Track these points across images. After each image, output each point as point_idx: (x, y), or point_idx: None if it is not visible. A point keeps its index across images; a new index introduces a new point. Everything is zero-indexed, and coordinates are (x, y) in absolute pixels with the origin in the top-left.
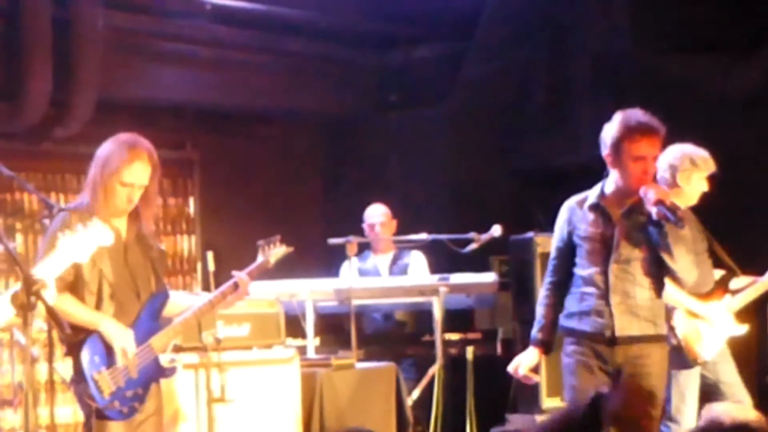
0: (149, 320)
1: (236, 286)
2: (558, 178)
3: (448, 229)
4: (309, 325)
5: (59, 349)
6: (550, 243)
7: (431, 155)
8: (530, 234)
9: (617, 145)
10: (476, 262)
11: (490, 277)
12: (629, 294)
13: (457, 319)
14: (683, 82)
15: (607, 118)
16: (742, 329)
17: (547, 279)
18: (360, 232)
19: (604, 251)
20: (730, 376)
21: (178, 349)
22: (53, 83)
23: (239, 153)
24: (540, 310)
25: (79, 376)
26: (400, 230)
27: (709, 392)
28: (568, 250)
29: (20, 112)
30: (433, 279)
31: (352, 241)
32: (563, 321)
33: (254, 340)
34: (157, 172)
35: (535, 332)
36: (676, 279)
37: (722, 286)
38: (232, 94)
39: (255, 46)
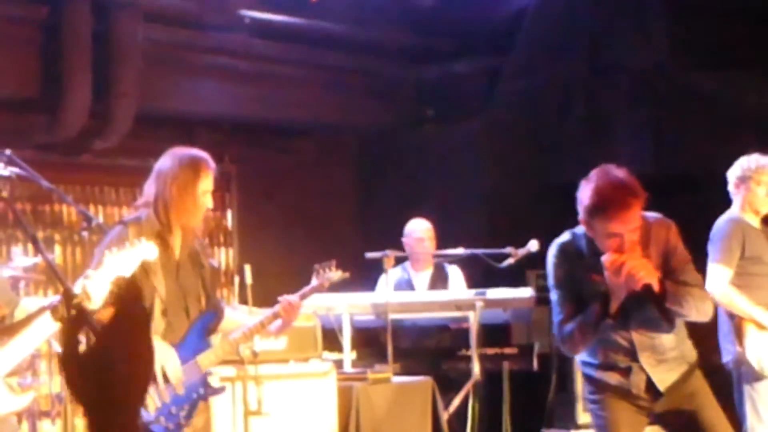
0: (197, 338)
1: (278, 315)
2: None
3: (484, 243)
4: (346, 339)
5: None
6: None
7: (468, 169)
8: None
9: (590, 221)
10: (513, 277)
11: (526, 292)
12: (655, 346)
13: (493, 333)
14: (719, 98)
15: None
16: None
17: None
18: (397, 245)
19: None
20: None
21: None
22: (92, 95)
23: (277, 166)
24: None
25: None
26: (438, 244)
27: None
28: None
29: (60, 124)
30: (470, 293)
31: (390, 255)
32: (586, 369)
33: (291, 354)
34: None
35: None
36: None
37: None
38: (270, 107)
39: (293, 60)
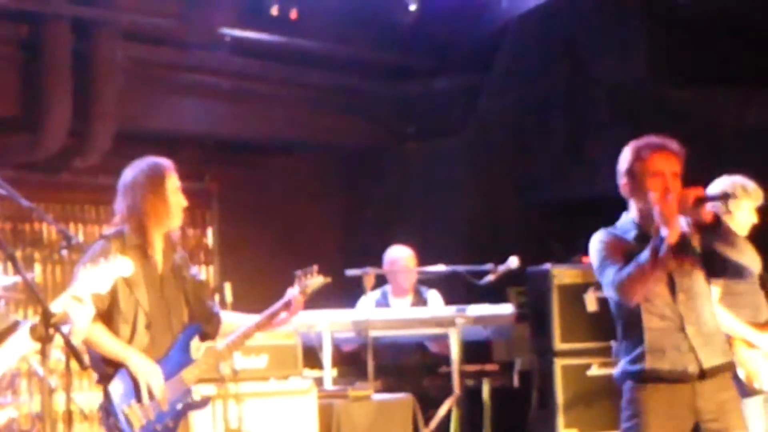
0: (181, 353)
1: (287, 306)
2: (575, 210)
3: (465, 260)
4: (326, 357)
5: (77, 380)
6: (567, 274)
7: (449, 186)
8: (547, 265)
9: (632, 168)
10: (494, 294)
11: (507, 308)
12: (701, 323)
13: (474, 350)
14: (700, 114)
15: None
16: None
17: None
18: (378, 263)
19: (667, 281)
20: None
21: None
22: (73, 114)
23: (258, 185)
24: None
25: (109, 409)
26: (419, 262)
27: None
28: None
29: (40, 143)
30: (451, 310)
31: (370, 273)
32: (626, 366)
33: (271, 372)
34: None
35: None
36: (740, 275)
37: None
38: (251, 125)
39: (274, 78)
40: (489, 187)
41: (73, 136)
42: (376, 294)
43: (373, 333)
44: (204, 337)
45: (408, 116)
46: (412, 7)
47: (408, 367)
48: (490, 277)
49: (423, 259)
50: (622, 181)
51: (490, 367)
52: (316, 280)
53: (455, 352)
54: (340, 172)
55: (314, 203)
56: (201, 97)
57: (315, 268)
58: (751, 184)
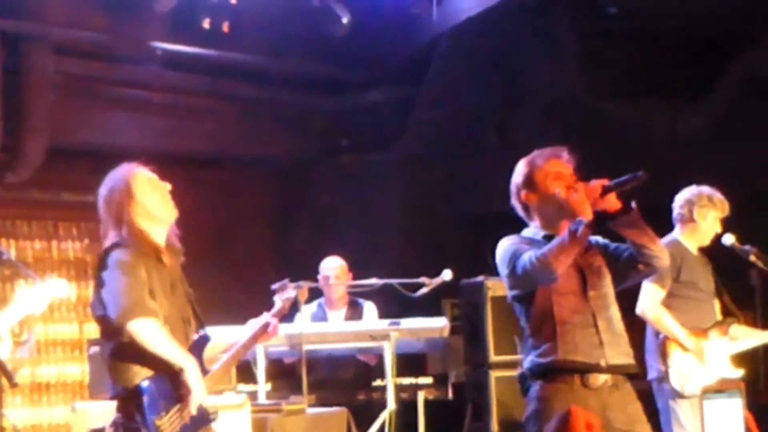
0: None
1: (266, 327)
2: (509, 223)
3: (399, 273)
4: (260, 371)
5: (9, 396)
6: (501, 287)
7: (382, 199)
8: (481, 278)
9: (531, 177)
10: (429, 306)
11: (440, 321)
12: (610, 321)
13: (408, 363)
14: (632, 126)
15: None
16: (738, 373)
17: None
18: (313, 277)
19: (575, 280)
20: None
21: None
22: (4, 129)
23: (190, 198)
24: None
25: (133, 424)
26: (353, 275)
27: None
28: None
29: None
30: (384, 323)
31: (303, 287)
32: (535, 359)
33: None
34: None
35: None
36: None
37: (723, 327)
38: (183, 139)
39: (206, 91)
40: (422, 199)
41: (5, 151)
42: (313, 307)
43: (307, 347)
44: None
45: (341, 129)
46: (345, 20)
47: (342, 380)
48: (424, 290)
49: (357, 272)
50: (522, 193)
51: (424, 379)
52: (292, 292)
53: (389, 365)
54: (273, 185)
55: (247, 217)
56: (133, 111)
57: (287, 280)
58: (717, 195)
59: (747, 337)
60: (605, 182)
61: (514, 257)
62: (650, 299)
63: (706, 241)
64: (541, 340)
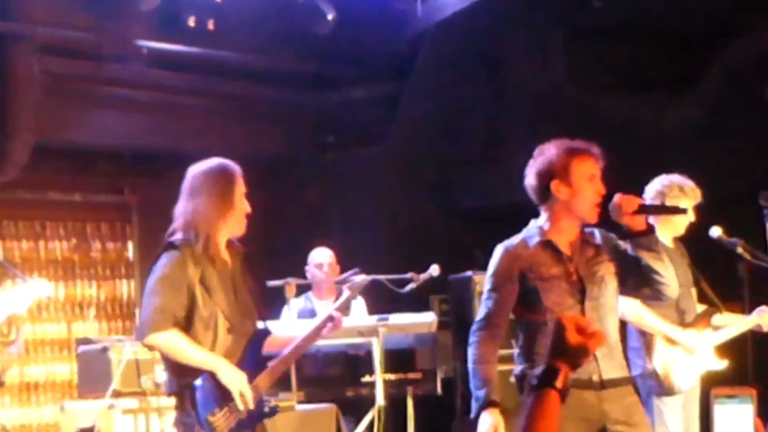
0: (254, 358)
1: (330, 319)
2: (496, 217)
3: (387, 269)
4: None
5: None
6: None
7: (369, 196)
8: (469, 273)
9: (566, 169)
10: (417, 302)
11: (429, 316)
12: (606, 334)
13: (397, 359)
14: (619, 120)
15: None
16: (722, 364)
17: (484, 332)
18: (299, 274)
19: (572, 290)
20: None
21: (117, 394)
22: None
23: (177, 197)
24: (483, 368)
25: (189, 419)
26: (340, 271)
27: None
28: (511, 298)
29: None
30: (373, 319)
31: (291, 283)
32: (526, 370)
33: None
34: None
35: (487, 394)
36: (659, 293)
37: (705, 318)
38: (169, 137)
39: (192, 90)
40: (409, 195)
41: None
42: (300, 301)
43: None
44: None
45: (327, 126)
46: (330, 17)
47: (331, 376)
48: (412, 285)
49: (344, 268)
50: (553, 182)
51: (413, 375)
52: (361, 279)
53: (378, 360)
54: (259, 182)
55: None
56: (119, 110)
57: (357, 269)
58: (688, 183)
59: (729, 325)
60: (642, 201)
61: (486, 294)
62: (626, 303)
63: (681, 230)
64: (533, 353)
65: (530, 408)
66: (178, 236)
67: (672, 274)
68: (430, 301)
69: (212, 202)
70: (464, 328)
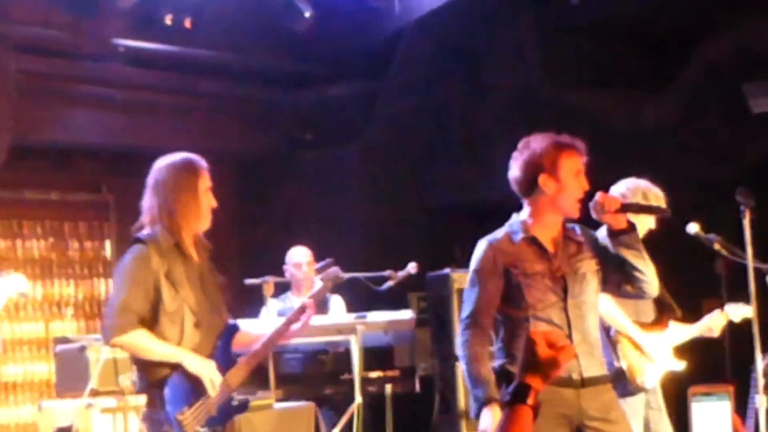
0: (224, 354)
1: (302, 311)
2: (474, 214)
3: (366, 266)
4: None
5: None
6: (467, 279)
7: (347, 193)
8: (447, 270)
9: (554, 163)
10: (395, 299)
11: (407, 314)
12: (586, 332)
13: (375, 356)
14: (595, 117)
15: None
16: (681, 365)
17: (472, 330)
18: (277, 272)
19: (555, 287)
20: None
21: (95, 393)
22: None
23: None
24: (477, 366)
25: (158, 416)
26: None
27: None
28: (497, 293)
29: None
30: (351, 317)
31: (269, 281)
32: (510, 368)
33: None
34: None
35: (486, 391)
36: (641, 290)
37: (663, 320)
38: (146, 136)
39: (169, 88)
40: (387, 193)
41: None
42: (279, 303)
43: None
44: None
45: (305, 124)
46: (307, 14)
47: (310, 374)
48: (390, 283)
49: None
50: (541, 175)
51: (391, 372)
52: (334, 271)
53: (356, 358)
54: (237, 181)
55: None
56: (96, 108)
57: (331, 260)
58: (654, 190)
59: (684, 330)
60: (623, 200)
61: (467, 292)
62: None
63: (640, 235)
64: (512, 349)
65: (503, 424)
66: (145, 231)
67: (653, 272)
68: (408, 299)
69: (176, 196)
70: (442, 326)
